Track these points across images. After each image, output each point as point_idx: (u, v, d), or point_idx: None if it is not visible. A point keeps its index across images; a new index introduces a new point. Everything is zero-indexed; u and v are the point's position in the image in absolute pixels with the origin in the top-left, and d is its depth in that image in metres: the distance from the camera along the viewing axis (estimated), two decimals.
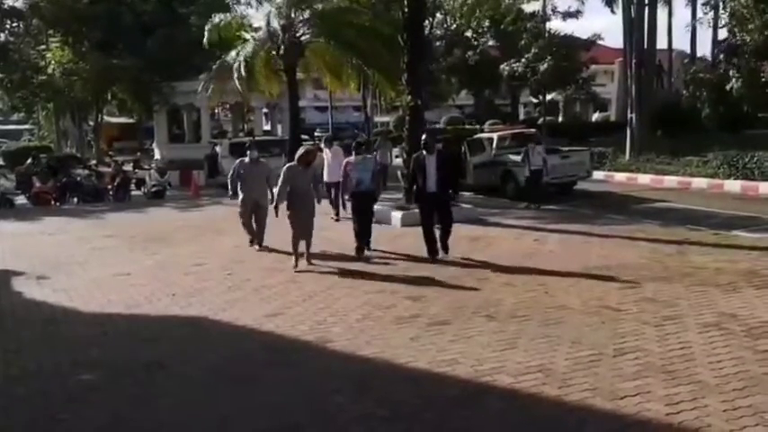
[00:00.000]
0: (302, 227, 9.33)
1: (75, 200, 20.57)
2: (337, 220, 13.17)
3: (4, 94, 38.75)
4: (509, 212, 14.06)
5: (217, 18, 20.05)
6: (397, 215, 12.43)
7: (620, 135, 25.08)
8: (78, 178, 21.35)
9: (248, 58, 18.49)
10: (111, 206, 18.98)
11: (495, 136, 18.96)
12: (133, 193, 21.27)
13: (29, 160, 23.22)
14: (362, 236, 10.03)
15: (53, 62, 32.00)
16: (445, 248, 9.51)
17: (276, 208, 9.46)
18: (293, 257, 9.35)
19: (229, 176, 11.21)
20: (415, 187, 9.72)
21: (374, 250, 10.06)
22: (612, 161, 22.86)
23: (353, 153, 10.42)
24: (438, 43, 34.71)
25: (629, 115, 24.64)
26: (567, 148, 18.74)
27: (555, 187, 16.40)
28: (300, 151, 9.72)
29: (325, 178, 13.07)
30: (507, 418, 4.54)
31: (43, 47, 34.77)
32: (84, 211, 17.89)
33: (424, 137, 9.79)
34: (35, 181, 20.49)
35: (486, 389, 4.99)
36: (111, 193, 20.71)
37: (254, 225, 10.86)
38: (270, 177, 10.63)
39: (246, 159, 10.90)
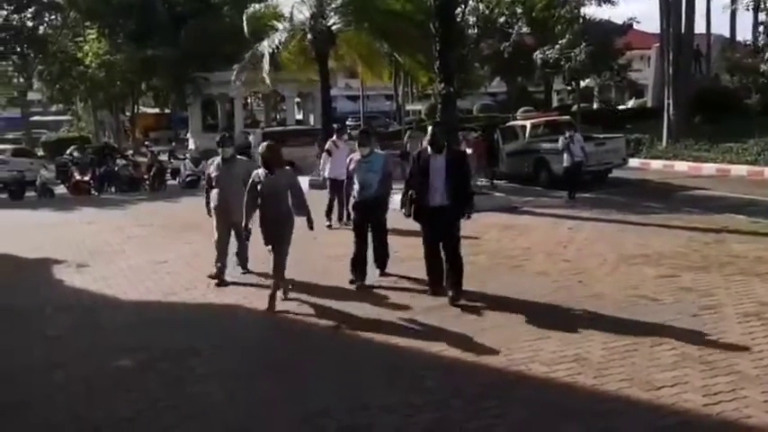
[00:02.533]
0: (271, 243, 7.00)
1: (113, 189, 21.00)
2: (329, 226, 11.07)
3: (43, 86, 39.67)
4: (543, 201, 13.93)
5: (252, 8, 20.16)
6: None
7: (657, 122, 24.55)
8: (116, 168, 21.81)
9: (276, 48, 18.49)
10: (147, 195, 19.32)
11: (528, 123, 18.76)
12: (168, 182, 21.61)
13: (69, 149, 23.79)
14: (376, 261, 7.80)
15: (90, 54, 32.64)
16: (456, 286, 6.76)
17: (245, 226, 7.28)
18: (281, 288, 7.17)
19: (205, 186, 8.55)
20: (411, 194, 6.92)
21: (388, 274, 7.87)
22: (649, 148, 22.43)
23: (358, 145, 7.92)
24: (471, 30, 34.35)
25: (665, 101, 24.10)
26: (602, 135, 18.46)
27: (590, 175, 16.17)
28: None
29: (328, 174, 11.43)
30: (541, 408, 4.51)
31: (80, 39, 35.48)
32: (121, 200, 18.21)
33: (431, 130, 7.09)
34: (74, 171, 20.96)
35: (519, 378, 4.97)
36: (147, 182, 21.09)
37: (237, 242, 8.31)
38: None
39: (218, 159, 8.16)
